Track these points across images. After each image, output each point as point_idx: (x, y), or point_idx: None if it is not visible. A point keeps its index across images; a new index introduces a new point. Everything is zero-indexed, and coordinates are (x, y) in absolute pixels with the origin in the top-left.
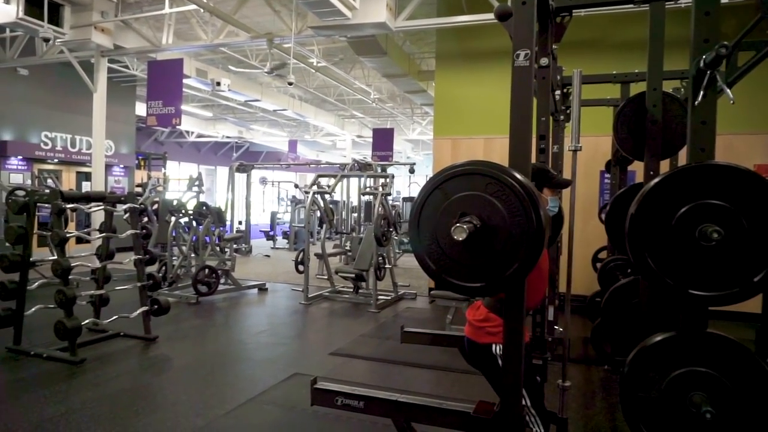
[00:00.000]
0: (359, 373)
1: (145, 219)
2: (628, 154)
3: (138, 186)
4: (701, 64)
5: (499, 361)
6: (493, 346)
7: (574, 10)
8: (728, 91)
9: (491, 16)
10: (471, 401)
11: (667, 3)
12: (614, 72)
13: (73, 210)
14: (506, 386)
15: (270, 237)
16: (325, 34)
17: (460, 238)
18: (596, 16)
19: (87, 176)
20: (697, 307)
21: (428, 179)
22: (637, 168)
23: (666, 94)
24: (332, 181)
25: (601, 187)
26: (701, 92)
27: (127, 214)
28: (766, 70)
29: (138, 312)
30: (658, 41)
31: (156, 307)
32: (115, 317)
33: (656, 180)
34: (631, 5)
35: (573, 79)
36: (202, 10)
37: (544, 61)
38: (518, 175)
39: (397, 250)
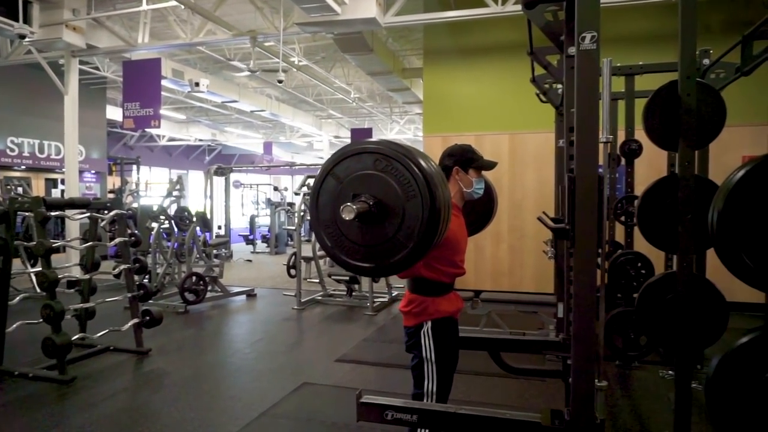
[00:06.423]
0: (371, 379)
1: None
2: (657, 144)
3: (110, 192)
4: None
5: (422, 341)
6: (423, 325)
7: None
8: None
9: (481, 11)
10: (530, 409)
11: None
12: (618, 65)
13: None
14: (577, 377)
15: (250, 241)
16: (312, 31)
17: (348, 218)
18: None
19: (56, 183)
20: None
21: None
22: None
23: (699, 82)
24: None
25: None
26: None
27: (104, 222)
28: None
29: (129, 324)
30: (689, 30)
31: (148, 318)
32: (105, 331)
33: (741, 173)
34: None
35: (603, 69)
36: (182, 7)
37: (572, 50)
38: (418, 156)
39: None
